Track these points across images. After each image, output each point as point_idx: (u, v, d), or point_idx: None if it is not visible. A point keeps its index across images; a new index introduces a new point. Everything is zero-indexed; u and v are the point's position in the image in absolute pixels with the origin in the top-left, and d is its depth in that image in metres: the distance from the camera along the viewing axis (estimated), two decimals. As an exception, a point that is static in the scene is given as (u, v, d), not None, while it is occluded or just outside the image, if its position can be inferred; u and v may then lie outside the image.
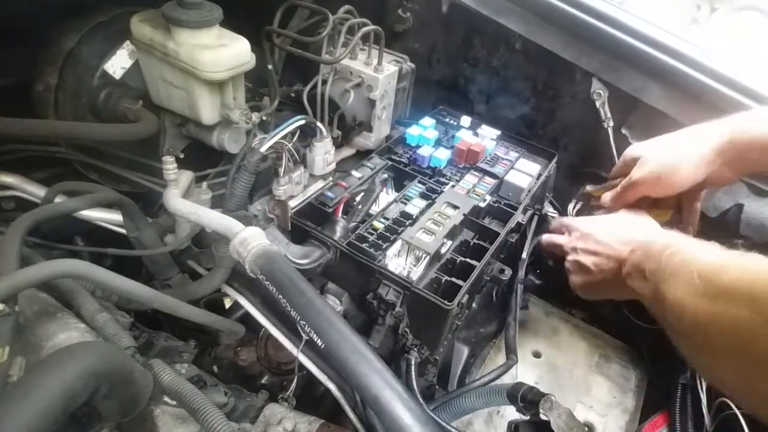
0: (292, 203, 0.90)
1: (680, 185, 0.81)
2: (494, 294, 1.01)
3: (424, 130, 1.10)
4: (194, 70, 0.77)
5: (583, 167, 1.24)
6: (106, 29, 0.91)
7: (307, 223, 0.85)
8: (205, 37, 0.78)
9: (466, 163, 1.06)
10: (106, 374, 0.48)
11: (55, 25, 0.90)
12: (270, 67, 0.94)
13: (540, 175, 1.07)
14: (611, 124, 1.08)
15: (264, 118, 0.93)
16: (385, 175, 1.01)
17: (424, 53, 1.29)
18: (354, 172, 0.98)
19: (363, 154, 1.12)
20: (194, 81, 0.80)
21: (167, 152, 0.94)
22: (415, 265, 0.83)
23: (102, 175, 1.01)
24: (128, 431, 0.58)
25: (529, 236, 1.06)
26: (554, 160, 1.13)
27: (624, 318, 1.04)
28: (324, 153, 0.95)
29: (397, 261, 0.83)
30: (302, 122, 0.86)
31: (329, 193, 0.90)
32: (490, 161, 1.08)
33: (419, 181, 0.99)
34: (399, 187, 1.01)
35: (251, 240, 0.69)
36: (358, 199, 0.93)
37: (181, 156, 0.95)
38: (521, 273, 1.03)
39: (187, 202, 0.81)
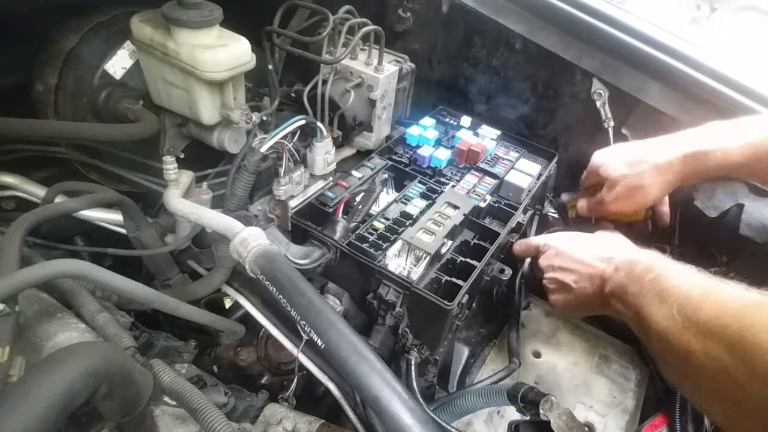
0: (292, 203, 0.90)
1: (646, 203, 0.90)
2: (494, 294, 1.00)
3: (424, 130, 1.10)
4: (194, 70, 0.77)
5: (583, 167, 1.24)
6: (106, 29, 0.91)
7: (307, 223, 0.85)
8: (205, 37, 0.78)
9: (466, 163, 1.06)
10: (106, 374, 0.48)
11: (55, 25, 0.90)
12: (270, 67, 0.94)
13: (540, 175, 1.07)
14: (612, 124, 1.08)
15: (264, 118, 0.93)
16: (386, 175, 1.01)
17: (424, 53, 1.29)
18: (354, 172, 0.98)
19: (363, 154, 1.12)
20: (194, 81, 0.80)
21: (167, 152, 0.94)
22: (415, 265, 0.83)
23: (102, 175, 1.01)
24: (128, 431, 0.58)
25: (530, 236, 1.06)
26: (554, 160, 1.13)
27: (624, 318, 1.04)
28: (324, 153, 0.95)
29: (397, 261, 0.83)
30: (302, 122, 0.86)
31: (329, 193, 0.90)
32: (490, 161, 1.08)
33: (419, 181, 0.99)
34: (399, 187, 1.01)
35: (251, 240, 0.69)
36: (358, 199, 0.93)
37: (182, 156, 0.95)
38: (521, 273, 1.03)
39: (187, 202, 0.81)
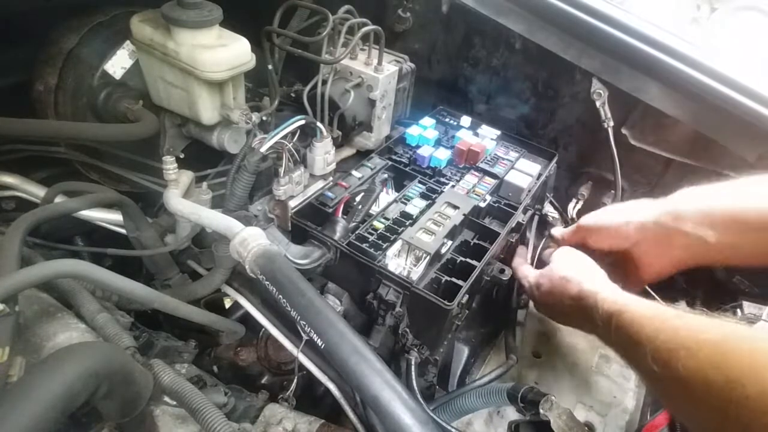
0: (292, 203, 0.90)
1: (613, 241, 0.86)
2: (494, 294, 1.00)
3: (424, 130, 1.10)
4: (194, 70, 0.77)
5: (583, 167, 1.24)
6: (106, 29, 0.91)
7: (307, 223, 0.85)
8: (205, 37, 0.78)
9: (466, 163, 1.06)
10: (106, 374, 0.48)
11: (55, 25, 0.90)
12: (270, 67, 0.94)
13: (540, 175, 1.07)
14: (611, 124, 1.08)
15: (264, 118, 0.93)
16: (385, 175, 1.01)
17: (424, 53, 1.29)
18: (354, 172, 0.98)
19: (363, 154, 1.12)
20: (194, 81, 0.80)
21: (167, 152, 0.94)
22: (415, 265, 0.83)
23: (102, 175, 1.01)
24: (128, 431, 0.58)
25: (530, 236, 1.06)
26: (554, 160, 1.13)
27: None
28: (324, 153, 0.95)
29: (397, 261, 0.83)
30: (302, 122, 0.86)
31: (329, 193, 0.90)
32: (490, 161, 1.08)
33: (419, 181, 0.99)
34: (399, 187, 1.01)
35: (251, 240, 0.69)
36: (358, 199, 0.93)
37: (181, 156, 0.95)
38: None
39: (187, 202, 0.81)
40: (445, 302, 0.72)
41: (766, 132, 0.89)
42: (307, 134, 0.94)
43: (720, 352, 0.50)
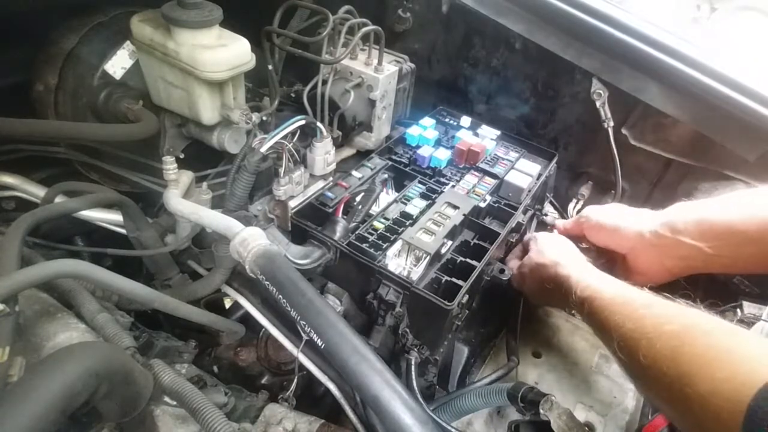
0: (292, 203, 0.90)
1: (610, 241, 0.89)
2: (494, 294, 1.00)
3: (424, 130, 1.10)
4: (194, 70, 0.77)
5: (583, 167, 1.24)
6: (106, 29, 0.91)
7: (307, 224, 0.85)
8: (205, 38, 0.78)
9: (466, 163, 1.06)
10: (106, 374, 0.48)
11: (55, 25, 0.90)
12: (270, 67, 0.94)
13: (540, 175, 1.07)
14: (611, 124, 1.08)
15: (264, 118, 0.93)
16: (386, 176, 1.01)
17: (424, 53, 1.29)
18: (354, 172, 0.98)
19: (363, 154, 1.12)
20: (194, 81, 0.80)
21: (167, 152, 0.94)
22: (415, 265, 0.83)
23: (102, 175, 1.01)
24: (128, 431, 0.58)
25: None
26: (554, 160, 1.13)
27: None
28: (324, 153, 0.95)
29: (397, 261, 0.83)
30: (302, 122, 0.86)
31: (329, 194, 0.90)
32: (490, 161, 1.08)
33: (419, 182, 0.99)
34: (399, 187, 1.01)
35: (251, 240, 0.69)
36: (358, 199, 0.93)
37: (181, 156, 0.95)
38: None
39: (187, 203, 0.81)
40: (445, 302, 0.72)
41: (766, 132, 0.90)
42: (307, 134, 0.94)
43: (676, 345, 0.50)
